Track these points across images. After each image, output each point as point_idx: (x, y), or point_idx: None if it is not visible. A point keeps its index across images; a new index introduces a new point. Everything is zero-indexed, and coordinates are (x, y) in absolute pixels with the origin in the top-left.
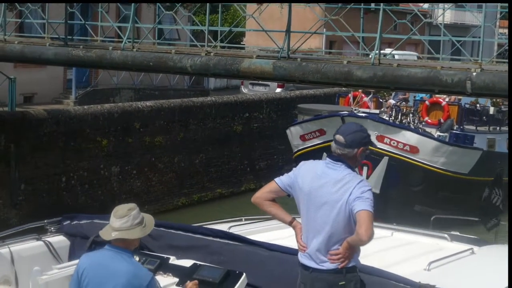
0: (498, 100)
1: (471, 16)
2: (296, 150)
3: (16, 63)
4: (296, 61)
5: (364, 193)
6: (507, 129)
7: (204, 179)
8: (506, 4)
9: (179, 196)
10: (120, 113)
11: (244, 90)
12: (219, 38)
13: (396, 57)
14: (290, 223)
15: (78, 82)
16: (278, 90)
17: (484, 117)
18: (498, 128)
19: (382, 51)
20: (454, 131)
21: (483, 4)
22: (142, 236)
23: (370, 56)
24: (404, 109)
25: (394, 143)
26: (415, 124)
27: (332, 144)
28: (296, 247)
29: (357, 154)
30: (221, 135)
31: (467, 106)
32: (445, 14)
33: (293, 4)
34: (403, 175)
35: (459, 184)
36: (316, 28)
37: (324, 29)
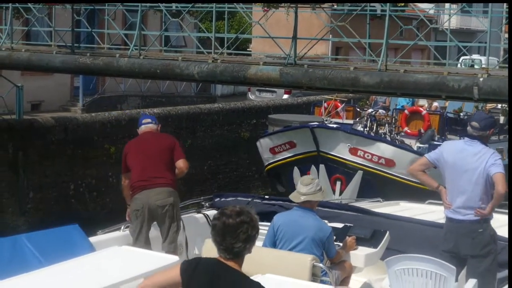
0: (486, 107)
1: (477, 21)
2: (266, 163)
3: (23, 71)
4: (303, 68)
5: (496, 160)
6: (495, 138)
7: (213, 186)
8: None
9: None
10: (128, 121)
11: (251, 96)
12: (225, 45)
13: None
14: (436, 188)
15: (85, 89)
16: (285, 96)
17: None
18: None
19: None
20: (435, 142)
21: (489, 9)
22: (322, 199)
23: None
24: (384, 119)
25: (368, 156)
26: (392, 135)
27: (469, 128)
28: (407, 216)
29: (488, 134)
30: (228, 142)
31: (450, 115)
32: (451, 20)
33: (299, 10)
34: (379, 191)
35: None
36: (322, 34)
37: (330, 35)
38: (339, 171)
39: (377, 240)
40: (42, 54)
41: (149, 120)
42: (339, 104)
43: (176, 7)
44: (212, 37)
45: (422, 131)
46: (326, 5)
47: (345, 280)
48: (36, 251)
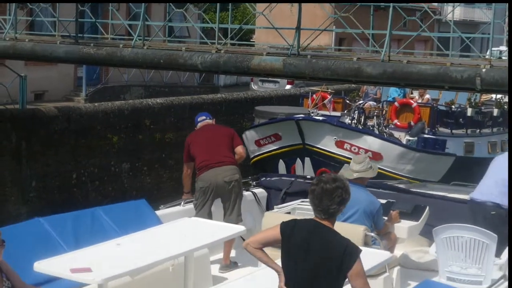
0: (480, 100)
1: (480, 12)
2: (252, 156)
3: (27, 61)
4: (306, 58)
5: None
6: (489, 131)
7: None
8: None
9: None
10: (131, 110)
11: (254, 86)
12: (229, 36)
13: None
14: None
15: (89, 79)
16: (288, 86)
17: (461, 119)
18: (478, 131)
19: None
20: (425, 135)
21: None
22: (372, 176)
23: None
24: (373, 111)
25: (355, 149)
26: (380, 128)
27: None
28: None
29: None
30: None
31: (441, 107)
32: (455, 11)
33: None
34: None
35: None
36: (326, 25)
37: (334, 26)
38: (325, 165)
39: (418, 214)
40: (46, 44)
41: (204, 117)
42: (327, 96)
43: None
44: (216, 27)
45: (412, 123)
46: None
47: (390, 250)
48: (112, 222)
